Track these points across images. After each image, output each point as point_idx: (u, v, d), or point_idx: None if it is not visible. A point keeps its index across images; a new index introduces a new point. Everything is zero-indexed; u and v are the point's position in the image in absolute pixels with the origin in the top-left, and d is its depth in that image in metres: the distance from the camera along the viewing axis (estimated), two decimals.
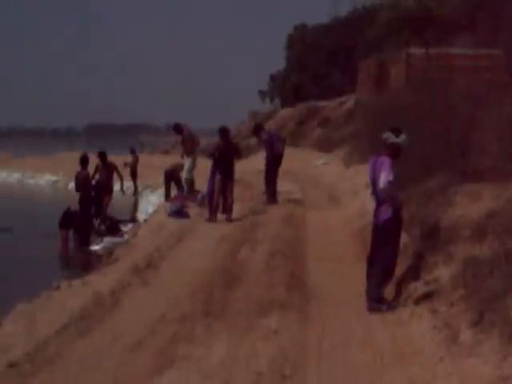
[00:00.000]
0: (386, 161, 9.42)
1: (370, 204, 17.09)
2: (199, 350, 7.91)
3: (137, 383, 7.30)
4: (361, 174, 23.05)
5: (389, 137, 9.55)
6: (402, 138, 9.56)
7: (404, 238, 10.78)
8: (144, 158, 37.93)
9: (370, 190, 10.61)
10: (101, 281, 12.24)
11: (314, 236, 16.10)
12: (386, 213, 9.53)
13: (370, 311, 9.51)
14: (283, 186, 22.04)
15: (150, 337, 8.89)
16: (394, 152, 9.52)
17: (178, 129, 21.62)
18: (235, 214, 19.06)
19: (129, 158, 33.91)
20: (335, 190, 24.56)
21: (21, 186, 43.12)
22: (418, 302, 9.20)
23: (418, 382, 6.83)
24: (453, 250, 9.71)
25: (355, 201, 20.52)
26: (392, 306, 9.54)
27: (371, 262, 9.87)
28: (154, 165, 32.49)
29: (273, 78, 68.28)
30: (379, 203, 9.69)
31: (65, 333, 9.06)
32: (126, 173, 32.46)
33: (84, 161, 20.26)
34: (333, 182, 26.67)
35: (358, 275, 11.19)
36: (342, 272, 12.40)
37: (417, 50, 35.52)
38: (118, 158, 33.17)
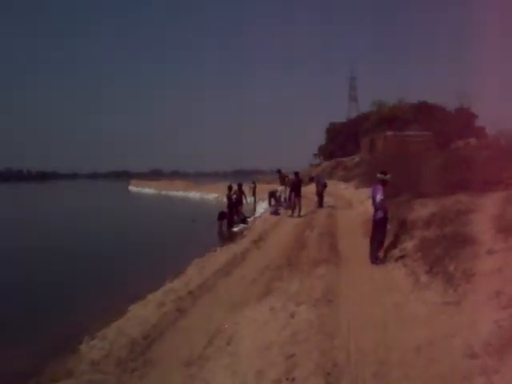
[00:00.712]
0: (379, 188, 9.19)
1: (369, 208, 16.81)
2: (285, 285, 7.48)
3: (252, 300, 6.96)
4: (364, 193, 22.51)
5: (381, 175, 9.27)
6: (387, 176, 9.35)
7: (388, 227, 10.22)
8: (258, 185, 37.96)
9: (370, 202, 10.11)
10: (236, 247, 11.92)
11: (341, 223, 15.55)
12: (379, 214, 9.22)
13: (372, 264, 9.06)
14: (326, 199, 21.53)
15: (260, 277, 8.50)
16: (384, 183, 9.27)
17: (279, 171, 21.53)
18: (302, 212, 18.56)
19: (251, 185, 34.47)
20: (351, 200, 24.08)
21: (201, 200, 43.63)
22: (396, 260, 8.63)
23: (399, 304, 6.32)
24: (414, 233, 9.28)
25: (361, 206, 19.78)
26: (382, 261, 9.07)
27: (372, 238, 9.45)
28: (263, 188, 32.63)
29: (320, 147, 69.04)
30: (375, 209, 9.34)
31: (218, 273, 8.76)
32: (251, 192, 33.08)
33: (229, 187, 20.44)
34: (350, 196, 26.18)
35: (363, 245, 10.51)
36: (355, 243, 11.73)
37: (389, 133, 35.90)
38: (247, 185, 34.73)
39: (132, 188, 76.47)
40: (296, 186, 18.43)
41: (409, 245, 9.09)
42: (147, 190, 68.12)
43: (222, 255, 10.70)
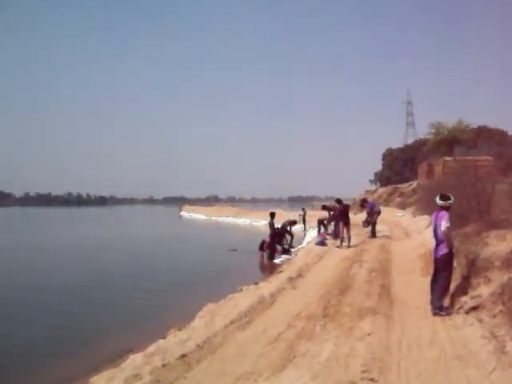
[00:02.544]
0: (445, 214, 7.20)
1: (428, 238, 14.84)
2: (315, 348, 5.47)
3: (265, 374, 4.97)
4: (421, 221, 21.02)
5: (442, 202, 7.35)
6: (450, 201, 7.42)
7: (453, 265, 8.17)
8: (314, 212, 36.08)
9: (431, 233, 8.02)
10: (267, 286, 9.99)
11: (395, 257, 13.36)
12: (443, 249, 7.21)
13: (434, 315, 6.97)
14: (380, 227, 19.42)
15: (285, 331, 6.56)
16: (448, 209, 7.30)
17: (338, 200, 19.50)
18: (352, 242, 16.52)
19: (301, 213, 32.98)
20: (407, 229, 21.75)
21: (250, 226, 42.07)
22: (467, 312, 6.52)
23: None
24: (490, 275, 7.02)
25: (419, 236, 17.61)
26: (449, 312, 6.96)
27: (434, 281, 7.43)
28: (315, 215, 30.68)
29: (376, 173, 68.43)
30: (438, 242, 7.33)
31: (232, 325, 6.87)
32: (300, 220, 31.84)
33: (272, 214, 18.78)
34: (406, 225, 23.79)
35: (422, 285, 8.64)
36: (412, 282, 9.66)
37: (448, 159, 33.25)
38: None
39: (183, 213, 76.47)
40: (343, 214, 16.48)
41: (484, 291, 6.90)
42: (198, 215, 67.70)
43: (244, 298, 8.76)
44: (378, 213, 18.65)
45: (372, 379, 4.43)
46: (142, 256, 21.50)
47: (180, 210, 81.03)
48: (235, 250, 20.95)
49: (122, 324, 9.10)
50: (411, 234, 19.65)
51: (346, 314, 6.94)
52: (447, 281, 7.30)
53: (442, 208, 7.32)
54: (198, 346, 5.74)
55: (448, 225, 7.16)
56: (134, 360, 5.47)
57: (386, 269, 11.31)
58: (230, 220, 52.56)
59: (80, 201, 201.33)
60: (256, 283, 11.84)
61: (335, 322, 6.60)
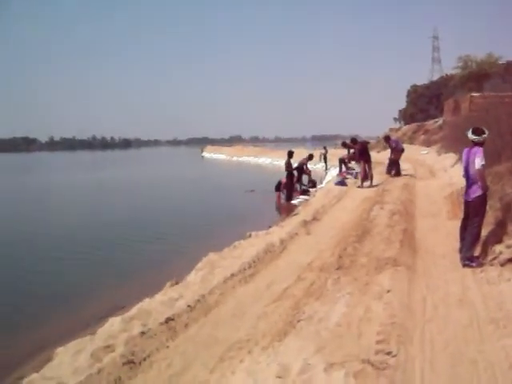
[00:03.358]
0: (479, 150, 6.11)
1: (455, 177, 13.75)
2: (324, 309, 4.68)
3: (261, 343, 4.22)
4: (447, 159, 20.31)
5: (475, 136, 6.24)
6: (485, 135, 6.26)
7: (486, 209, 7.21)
8: (332, 151, 34.82)
9: (461, 171, 6.96)
10: (278, 231, 9.08)
11: (420, 198, 12.32)
12: (476, 191, 6.18)
13: (464, 266, 6.04)
14: (403, 165, 18.15)
15: (293, 285, 5.76)
16: (482, 145, 6.20)
17: (353, 140, 18.10)
18: (375, 181, 15.54)
19: (322, 151, 31.69)
20: (433, 168, 20.48)
21: (271, 165, 40.95)
22: (503, 264, 5.58)
23: None
24: None
25: (445, 174, 16.53)
26: (480, 263, 6.02)
27: (464, 227, 6.46)
28: (337, 154, 29.51)
29: (400, 111, 65.67)
30: (470, 183, 6.29)
31: (234, 278, 6.07)
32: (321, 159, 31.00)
33: (289, 153, 17.65)
34: (431, 163, 22.51)
35: (449, 230, 7.75)
36: (438, 227, 8.67)
37: (475, 94, 31.42)
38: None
39: (205, 154, 75.81)
40: (363, 152, 15.35)
41: None
42: (219, 155, 66.94)
43: (253, 245, 7.92)
44: (402, 150, 17.42)
45: (389, 353, 3.60)
46: (156, 199, 20.70)
47: (202, 151, 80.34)
48: (253, 191, 20.11)
49: (120, 276, 8.37)
50: (437, 172, 18.45)
51: (363, 265, 6.08)
52: (479, 228, 6.30)
53: (475, 143, 6.24)
54: (188, 306, 4.95)
55: (483, 162, 6.10)
56: (112, 325, 4.74)
57: (410, 211, 10.35)
58: (252, 159, 51.52)
59: (104, 144, 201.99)
60: (270, 227, 11.11)
61: (350, 275, 5.76)
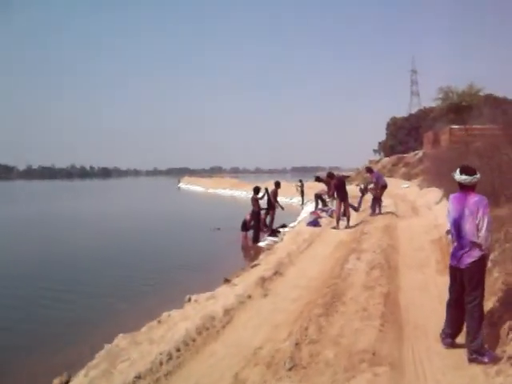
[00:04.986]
0: (484, 201, 4.35)
1: (441, 217, 12.08)
2: None
3: None
4: (430, 193, 19.24)
5: (465, 177, 4.47)
6: (476, 176, 4.50)
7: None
8: (310, 184, 33.23)
9: (447, 223, 5.01)
10: (226, 294, 6.90)
11: (403, 243, 10.53)
12: (472, 255, 4.36)
13: (470, 362, 4.18)
14: (384, 201, 16.11)
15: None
16: (474, 188, 4.51)
17: (329, 174, 16.14)
18: (352, 221, 13.90)
19: (298, 184, 30.18)
20: (415, 204, 18.89)
21: (246, 198, 38.90)
22: None
23: None
24: None
25: (429, 213, 14.93)
26: (495, 357, 4.10)
27: (455, 305, 4.62)
28: (316, 187, 27.86)
29: (380, 143, 65.24)
30: (463, 243, 4.42)
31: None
32: (298, 192, 29.81)
33: (256, 189, 15.80)
34: (413, 198, 21.07)
35: (441, 291, 5.72)
36: (428, 286, 6.85)
37: (455, 127, 31.83)
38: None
39: (182, 185, 73.95)
40: (339, 188, 13.60)
41: None
42: (196, 187, 65.12)
43: (186, 318, 5.78)
44: (385, 186, 15.62)
45: None
46: (112, 234, 18.70)
47: (178, 182, 78.38)
48: (219, 229, 18.14)
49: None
50: (420, 209, 16.80)
51: (328, 363, 4.14)
52: (481, 304, 4.42)
53: (465, 187, 4.47)
54: None
55: (491, 220, 4.39)
56: None
57: (392, 262, 8.50)
58: (227, 192, 49.76)
59: (83, 173, 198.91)
60: (226, 280, 9.14)
61: (307, 381, 3.86)
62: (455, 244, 4.61)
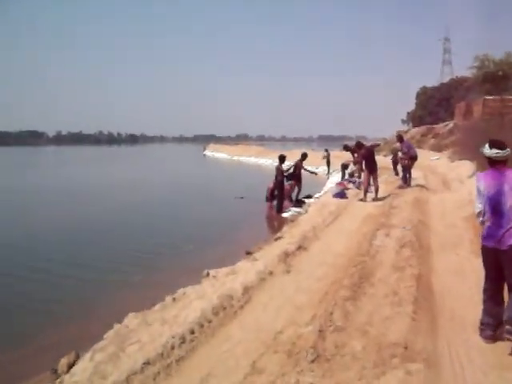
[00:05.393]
0: None
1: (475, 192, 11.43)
2: None
3: None
4: (461, 167, 18.18)
5: (493, 152, 4.06)
6: (507, 151, 4.10)
7: None
8: (337, 153, 32.47)
9: (479, 204, 4.42)
10: (248, 269, 6.55)
11: (435, 219, 9.93)
12: None
13: None
14: (413, 172, 15.13)
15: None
16: (506, 163, 4.10)
17: (358, 144, 15.24)
18: (381, 193, 13.20)
19: (325, 154, 29.51)
20: (446, 177, 18.04)
21: (272, 166, 38.45)
22: None
23: None
24: None
25: (461, 187, 13.96)
26: None
27: (494, 289, 4.20)
28: (342, 157, 27.13)
29: (409, 113, 63.16)
30: (503, 222, 3.96)
31: (138, 376, 3.83)
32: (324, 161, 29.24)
33: (281, 158, 15.27)
34: (444, 171, 20.10)
35: (479, 276, 4.71)
36: (463, 269, 6.31)
37: (489, 97, 29.69)
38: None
39: (207, 152, 73.54)
40: (367, 159, 12.94)
41: None
42: (221, 154, 64.73)
43: (201, 297, 5.42)
44: (415, 158, 14.74)
45: None
46: (134, 204, 18.28)
47: (204, 149, 78.06)
48: (242, 198, 17.73)
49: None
50: (451, 183, 16.00)
51: (355, 356, 3.73)
52: None
53: (495, 162, 4.03)
54: None
55: None
56: None
57: (423, 240, 7.97)
58: (252, 160, 49.26)
59: (111, 139, 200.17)
60: (248, 253, 8.79)
61: (331, 377, 3.46)
62: (490, 224, 4.12)
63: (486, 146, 4.11)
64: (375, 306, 4.84)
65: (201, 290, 5.80)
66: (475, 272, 6.06)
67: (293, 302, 5.32)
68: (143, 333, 4.51)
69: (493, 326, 4.18)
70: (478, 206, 4.28)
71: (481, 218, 4.31)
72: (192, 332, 4.39)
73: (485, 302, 4.29)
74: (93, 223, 14.07)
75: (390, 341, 3.93)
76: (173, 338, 4.21)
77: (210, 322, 4.69)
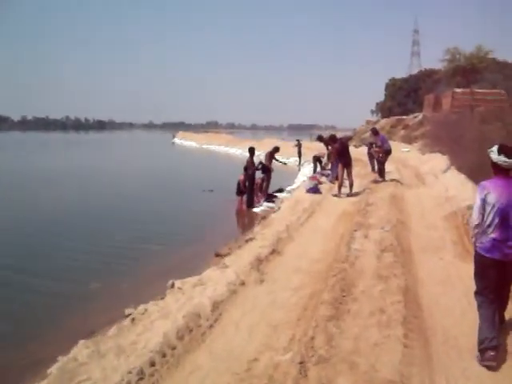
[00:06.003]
0: None
1: (452, 188, 11.52)
2: None
3: None
4: (434, 160, 18.48)
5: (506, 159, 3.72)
6: None
7: None
8: (307, 144, 32.02)
9: (476, 214, 3.93)
10: (217, 278, 5.88)
11: (413, 218, 9.43)
12: None
13: None
14: (386, 166, 14.66)
15: None
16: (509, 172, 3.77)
17: (332, 137, 14.51)
18: (355, 187, 12.81)
19: (296, 144, 29.47)
20: (419, 170, 17.73)
21: (242, 156, 37.67)
22: None
23: None
24: None
25: (436, 182, 13.82)
26: None
27: (494, 306, 3.89)
28: (313, 148, 26.77)
29: (378, 103, 64.23)
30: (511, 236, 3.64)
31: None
32: (295, 152, 29.02)
33: (251, 150, 14.50)
34: (416, 164, 19.81)
35: (468, 286, 4.73)
36: (449, 276, 5.87)
37: (458, 90, 31.64)
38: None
39: (176, 140, 71.96)
40: (341, 153, 12.45)
41: None
42: (190, 143, 63.42)
43: (167, 314, 4.73)
44: (389, 152, 14.30)
45: None
46: (93, 194, 17.27)
47: (173, 137, 76.48)
48: (211, 191, 17.00)
49: None
50: (425, 177, 15.68)
51: None
52: None
53: (502, 170, 3.73)
54: None
55: None
56: None
57: (404, 242, 7.51)
58: (222, 149, 48.31)
59: (78, 125, 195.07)
60: (218, 254, 8.17)
61: None
62: (494, 235, 3.72)
63: (494, 149, 3.72)
64: (361, 327, 4.29)
65: (164, 306, 5.12)
66: (462, 280, 5.66)
67: (268, 320, 4.74)
68: (95, 368, 3.80)
69: (495, 340, 3.73)
70: (479, 218, 3.82)
71: (475, 231, 3.88)
72: (152, 364, 3.74)
73: (484, 319, 3.86)
74: (37, 220, 12.66)
75: (383, 377, 3.38)
76: (129, 373, 3.55)
77: (173, 348, 4.05)
